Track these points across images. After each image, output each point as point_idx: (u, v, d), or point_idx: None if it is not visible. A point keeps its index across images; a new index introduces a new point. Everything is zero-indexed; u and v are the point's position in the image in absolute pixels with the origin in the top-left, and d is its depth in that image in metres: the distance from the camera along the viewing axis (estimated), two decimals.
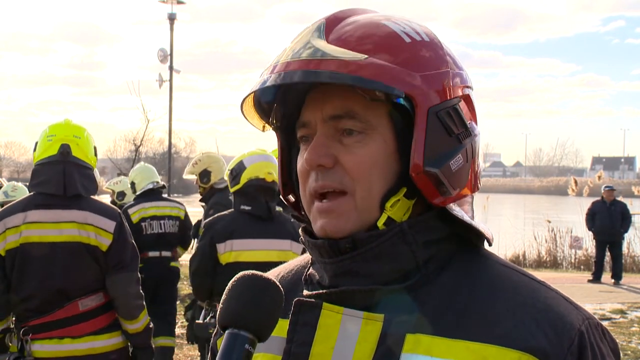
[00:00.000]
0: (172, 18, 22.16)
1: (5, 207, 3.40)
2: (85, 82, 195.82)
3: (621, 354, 1.04)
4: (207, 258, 3.81)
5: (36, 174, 3.37)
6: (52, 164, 3.34)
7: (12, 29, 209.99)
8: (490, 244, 1.04)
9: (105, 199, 6.33)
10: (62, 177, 3.32)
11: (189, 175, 6.05)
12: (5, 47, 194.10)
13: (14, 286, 3.27)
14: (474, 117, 1.03)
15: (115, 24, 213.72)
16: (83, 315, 3.32)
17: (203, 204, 5.90)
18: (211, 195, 5.69)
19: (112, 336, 3.41)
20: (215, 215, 4.00)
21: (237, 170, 3.90)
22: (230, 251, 3.78)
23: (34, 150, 3.44)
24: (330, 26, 0.98)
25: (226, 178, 4.08)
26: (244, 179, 3.86)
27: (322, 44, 0.95)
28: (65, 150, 3.35)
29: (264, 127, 1.07)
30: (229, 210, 3.94)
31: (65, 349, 3.27)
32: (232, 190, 3.94)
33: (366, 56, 0.93)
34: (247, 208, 3.83)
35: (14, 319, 3.40)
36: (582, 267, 16.21)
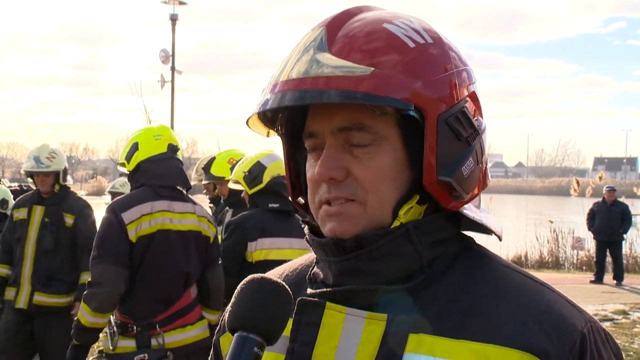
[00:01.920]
0: (174, 19, 22.16)
1: (124, 196, 3.55)
2: (87, 83, 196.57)
3: (624, 355, 1.04)
4: (237, 256, 3.84)
5: (148, 169, 3.55)
6: (164, 160, 3.58)
7: (13, 30, 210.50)
8: (500, 239, 1.04)
9: (106, 199, 6.34)
10: (177, 171, 3.61)
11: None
12: (7, 48, 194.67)
13: (141, 273, 3.39)
14: (479, 111, 1.02)
15: (117, 24, 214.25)
16: (193, 303, 3.57)
17: (212, 205, 5.90)
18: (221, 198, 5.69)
19: (206, 322, 3.66)
20: (241, 215, 3.97)
21: (257, 171, 3.93)
22: (262, 249, 3.81)
23: (136, 149, 3.58)
24: (332, 34, 0.95)
25: (239, 180, 3.99)
26: (266, 177, 3.90)
27: (325, 58, 0.93)
28: (174, 148, 3.64)
29: (268, 133, 1.06)
30: (253, 209, 3.93)
31: (188, 336, 3.50)
32: (252, 190, 3.94)
33: (372, 69, 0.91)
34: (275, 205, 3.86)
35: (118, 314, 3.44)
36: (584, 267, 16.20)
